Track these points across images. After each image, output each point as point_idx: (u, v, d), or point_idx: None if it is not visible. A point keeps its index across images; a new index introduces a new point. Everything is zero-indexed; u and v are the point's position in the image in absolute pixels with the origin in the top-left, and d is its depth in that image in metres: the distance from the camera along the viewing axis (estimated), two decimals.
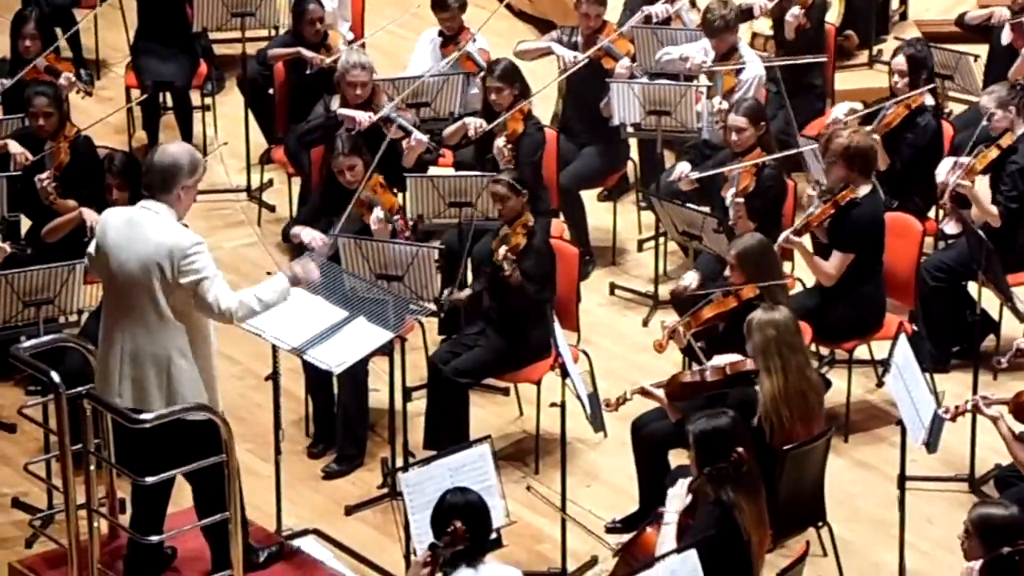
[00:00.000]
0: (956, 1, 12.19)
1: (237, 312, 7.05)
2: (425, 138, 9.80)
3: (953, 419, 7.61)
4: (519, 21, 12.95)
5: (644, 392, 7.87)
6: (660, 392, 7.88)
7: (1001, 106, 9.43)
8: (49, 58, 10.36)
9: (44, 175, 9.30)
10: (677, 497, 6.92)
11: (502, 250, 8.62)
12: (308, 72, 10.48)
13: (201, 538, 7.33)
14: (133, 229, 7.06)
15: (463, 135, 9.95)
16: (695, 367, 8.02)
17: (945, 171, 9.47)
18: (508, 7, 13.13)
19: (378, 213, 9.07)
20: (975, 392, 8.53)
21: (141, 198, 7.17)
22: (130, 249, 7.03)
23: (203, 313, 7.04)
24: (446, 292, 8.96)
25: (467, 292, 8.97)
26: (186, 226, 7.16)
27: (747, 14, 10.66)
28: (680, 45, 10.39)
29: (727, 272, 8.36)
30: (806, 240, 9.01)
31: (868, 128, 9.57)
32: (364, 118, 9.70)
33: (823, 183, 9.20)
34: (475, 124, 9.86)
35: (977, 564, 6.45)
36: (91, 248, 7.25)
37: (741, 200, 9.04)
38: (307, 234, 9.22)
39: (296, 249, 9.44)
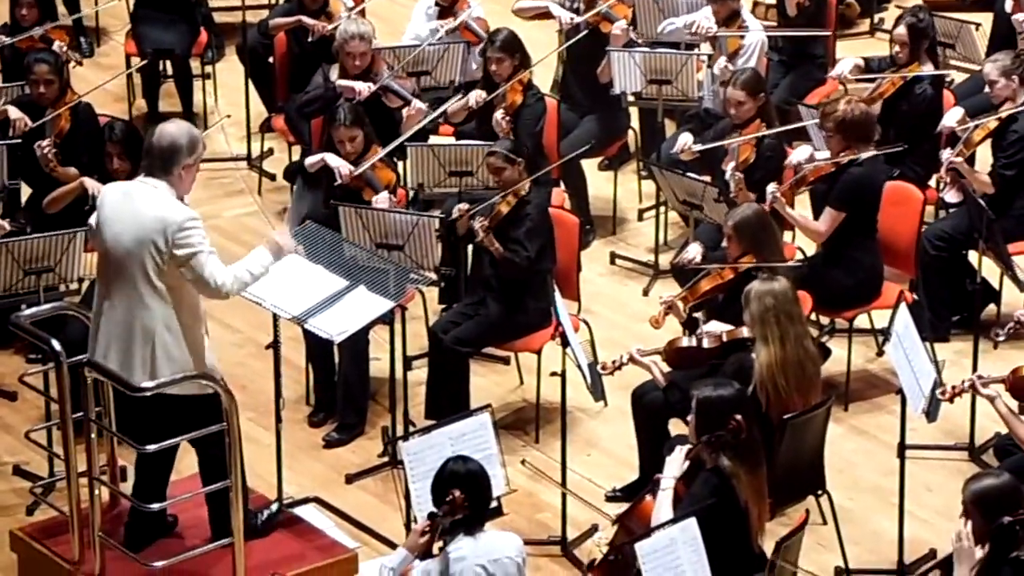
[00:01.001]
0: None
1: (231, 287, 7.06)
2: (424, 106, 9.78)
3: (951, 400, 7.61)
4: None
5: (633, 359, 7.89)
6: (648, 360, 7.88)
7: (1004, 75, 9.41)
8: (47, 28, 10.33)
9: (44, 142, 9.29)
10: (674, 463, 6.94)
11: (477, 223, 8.61)
12: (309, 40, 10.45)
13: (203, 507, 7.35)
14: (129, 203, 7.05)
15: (468, 111, 9.91)
16: (692, 334, 8.04)
17: (954, 120, 9.44)
18: None
19: (384, 196, 9.05)
20: (975, 361, 8.55)
21: (141, 170, 7.17)
22: (125, 222, 7.02)
23: (197, 288, 7.04)
24: (460, 207, 8.81)
25: (478, 222, 8.79)
26: (182, 201, 7.16)
27: None
28: (681, 16, 10.37)
29: (724, 243, 8.36)
30: (808, 209, 9.01)
31: (864, 94, 9.57)
32: (363, 88, 9.68)
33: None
34: (475, 96, 9.84)
35: (970, 524, 6.46)
36: (92, 220, 7.26)
37: (740, 175, 9.04)
38: (333, 159, 9.13)
39: (294, 215, 9.41)
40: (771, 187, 8.88)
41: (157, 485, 7.31)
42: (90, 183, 9.08)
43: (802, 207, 9.35)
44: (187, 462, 7.43)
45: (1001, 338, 7.96)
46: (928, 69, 9.80)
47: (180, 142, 7.04)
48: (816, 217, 9.01)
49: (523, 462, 7.76)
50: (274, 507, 7.63)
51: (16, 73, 10.00)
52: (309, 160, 9.40)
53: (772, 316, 7.65)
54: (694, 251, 8.79)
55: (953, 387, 7.58)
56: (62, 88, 9.47)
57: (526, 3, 10.76)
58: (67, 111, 9.39)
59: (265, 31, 10.70)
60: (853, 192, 8.86)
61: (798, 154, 9.20)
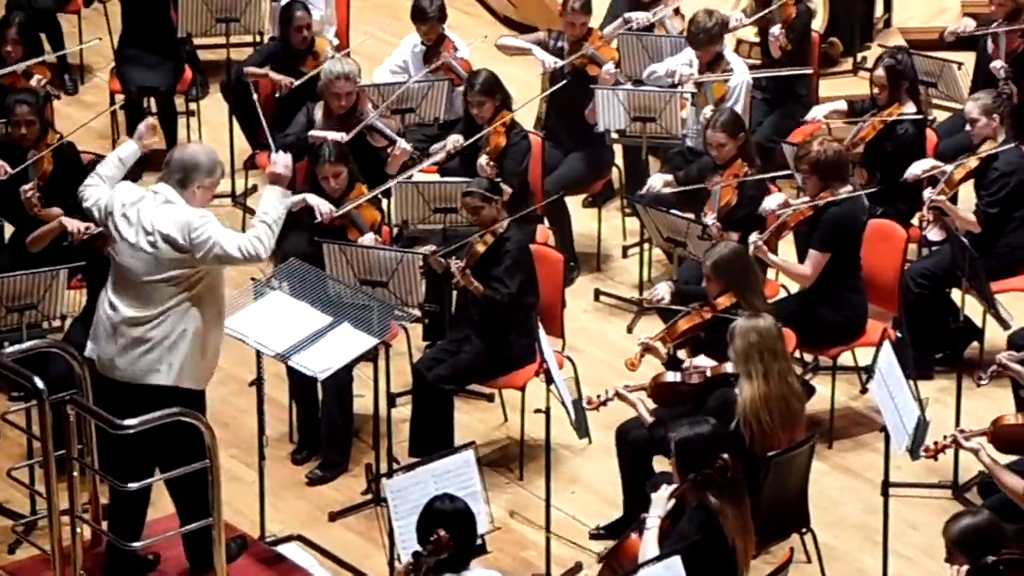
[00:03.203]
0: (939, 9, 12.22)
1: (258, 245, 7.23)
2: (409, 147, 9.79)
3: (934, 457, 7.60)
4: (503, 27, 12.96)
5: (620, 395, 7.89)
6: (634, 396, 7.89)
7: (985, 113, 9.45)
8: (30, 64, 10.33)
9: (28, 186, 9.27)
10: (660, 501, 6.93)
11: (453, 264, 8.63)
12: (277, 96, 10.45)
13: (182, 545, 7.33)
14: (144, 210, 7.26)
15: (448, 154, 9.93)
16: (677, 369, 8.04)
17: (921, 170, 9.49)
18: (492, 12, 13.16)
19: (368, 236, 9.05)
20: (958, 399, 8.57)
21: (160, 179, 7.36)
22: (140, 227, 7.20)
23: (233, 265, 7.26)
24: (428, 250, 8.84)
25: (454, 264, 8.81)
26: None
27: (726, 27, 10.65)
28: (664, 61, 10.40)
29: (704, 283, 8.37)
30: (791, 254, 9.02)
31: (846, 140, 9.61)
32: (336, 137, 9.66)
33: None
34: (452, 142, 9.86)
35: (964, 569, 6.46)
36: (99, 220, 7.39)
37: (719, 224, 9.08)
38: (314, 198, 9.15)
39: (280, 251, 9.42)
40: (753, 236, 8.88)
41: (134, 519, 7.30)
42: (69, 222, 9.05)
43: (786, 244, 9.38)
44: (167, 499, 7.40)
45: (984, 382, 7.97)
46: (909, 109, 9.84)
47: (202, 160, 7.34)
48: (800, 258, 9.03)
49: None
50: (238, 540, 7.66)
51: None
52: (294, 197, 9.39)
53: (756, 352, 7.66)
54: (663, 291, 8.78)
55: (935, 443, 7.55)
56: (43, 128, 9.46)
57: (509, 41, 10.80)
58: (49, 153, 9.37)
59: (240, 77, 10.68)
60: (835, 232, 8.88)
61: (771, 201, 9.20)
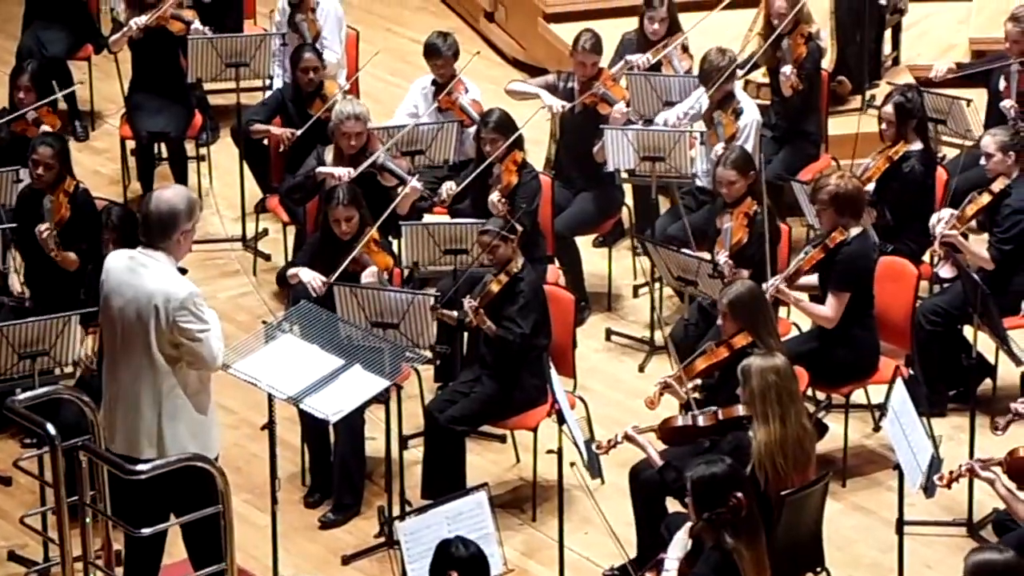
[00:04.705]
0: (948, 46, 12.24)
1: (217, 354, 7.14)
2: (420, 185, 9.81)
3: (948, 486, 7.57)
4: (512, 68, 13.00)
5: (628, 438, 7.85)
6: (643, 439, 7.85)
7: (1001, 149, 9.44)
8: (41, 111, 10.36)
9: (44, 227, 9.30)
10: (678, 543, 6.90)
11: (467, 302, 8.62)
12: (280, 150, 10.47)
13: None
14: (132, 274, 7.13)
15: (448, 197, 9.96)
16: (688, 412, 8.01)
17: (938, 219, 9.48)
18: (501, 54, 13.20)
19: (371, 271, 9.06)
20: (972, 436, 8.54)
21: (140, 238, 7.23)
22: (127, 295, 7.09)
23: (189, 363, 7.08)
24: (433, 301, 8.83)
25: (468, 303, 8.83)
26: (184, 272, 7.19)
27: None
28: (673, 108, 10.40)
29: (719, 321, 8.35)
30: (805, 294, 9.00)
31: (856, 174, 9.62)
32: (343, 173, 9.68)
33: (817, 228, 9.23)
34: (447, 189, 9.90)
35: None
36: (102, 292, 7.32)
37: (731, 262, 9.07)
38: (306, 274, 9.17)
39: (291, 294, 9.43)
40: (772, 281, 8.84)
41: (149, 566, 7.27)
42: None
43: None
44: (180, 545, 7.39)
45: (1000, 431, 7.94)
46: (915, 147, 9.83)
47: (179, 208, 7.11)
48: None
49: (572, 465, 7.69)
50: None
51: (13, 157, 10.03)
52: (289, 271, 9.39)
53: (774, 394, 7.61)
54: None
55: (951, 472, 7.53)
56: (61, 174, 9.49)
57: (518, 87, 10.81)
58: (66, 199, 9.39)
59: (246, 133, 10.70)
60: (851, 271, 8.86)
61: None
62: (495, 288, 8.71)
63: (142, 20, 11.02)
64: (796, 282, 8.96)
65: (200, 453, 7.10)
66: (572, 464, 7.76)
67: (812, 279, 9.02)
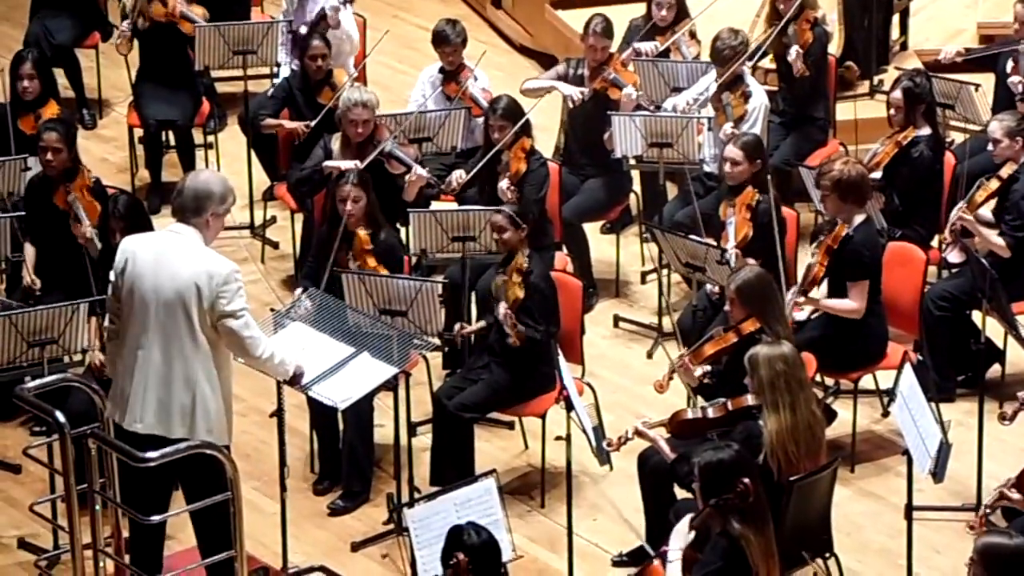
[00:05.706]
0: (956, 31, 12.22)
1: (268, 356, 7.32)
2: (426, 172, 9.80)
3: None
4: (520, 56, 12.99)
5: (639, 433, 7.83)
6: (653, 432, 7.84)
7: (1008, 135, 9.43)
8: (48, 105, 10.34)
9: (87, 228, 9.25)
10: (679, 534, 6.88)
11: (502, 309, 8.61)
12: (296, 143, 10.46)
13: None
14: (165, 254, 7.21)
15: (457, 185, 9.97)
16: (696, 405, 7.99)
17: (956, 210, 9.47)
18: (509, 41, 13.19)
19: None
20: (980, 421, 8.53)
21: (172, 214, 7.34)
22: (164, 274, 7.16)
23: (229, 343, 7.21)
24: (456, 327, 8.95)
25: (478, 325, 8.95)
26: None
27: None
28: (682, 94, 10.39)
29: (727, 307, 8.34)
30: (823, 290, 8.97)
31: (864, 161, 9.59)
32: (351, 165, 9.67)
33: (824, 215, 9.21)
34: (456, 178, 9.89)
35: None
36: (112, 276, 7.31)
37: (739, 251, 9.06)
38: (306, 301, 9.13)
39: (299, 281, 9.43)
40: (791, 294, 8.80)
41: (154, 551, 7.31)
42: None
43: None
44: (189, 531, 7.40)
45: (1008, 421, 7.94)
46: (924, 132, 9.81)
47: (214, 188, 7.27)
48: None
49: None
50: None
51: (20, 146, 10.03)
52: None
53: (783, 382, 7.59)
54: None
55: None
56: (71, 159, 9.48)
57: (533, 84, 10.76)
58: (91, 196, 9.38)
59: (255, 124, 10.69)
60: (864, 259, 8.82)
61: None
62: (520, 293, 8.69)
63: (126, 25, 11.13)
64: (810, 292, 8.91)
65: (220, 439, 7.16)
66: (557, 438, 7.76)
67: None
